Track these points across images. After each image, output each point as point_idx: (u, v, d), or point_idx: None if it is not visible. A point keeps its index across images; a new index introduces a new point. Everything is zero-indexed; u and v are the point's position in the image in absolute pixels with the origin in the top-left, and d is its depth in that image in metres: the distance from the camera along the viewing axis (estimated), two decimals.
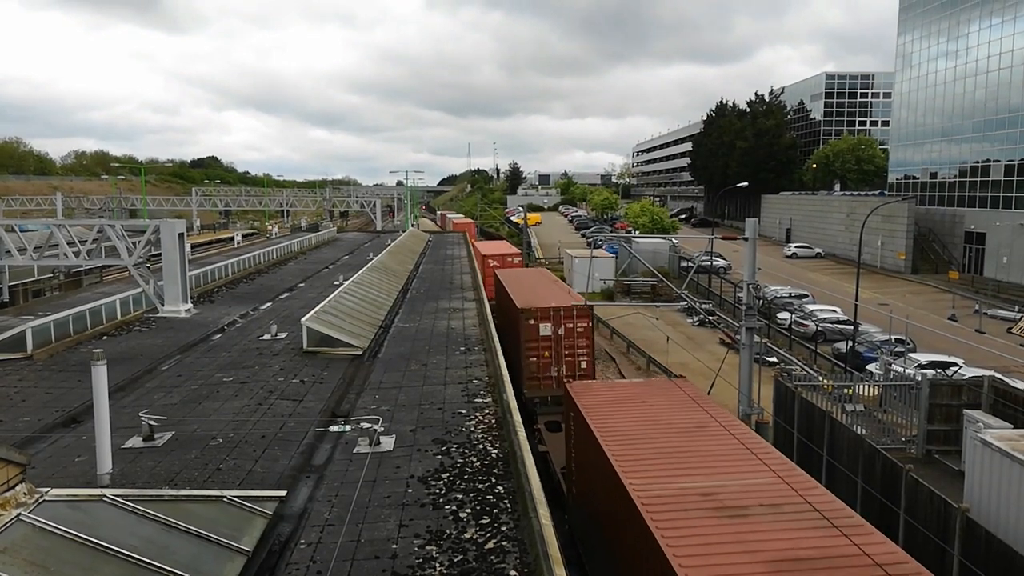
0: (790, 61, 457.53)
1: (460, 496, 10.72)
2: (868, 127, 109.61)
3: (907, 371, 26.50)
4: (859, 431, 19.91)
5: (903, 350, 32.35)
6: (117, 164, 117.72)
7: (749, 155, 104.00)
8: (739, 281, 31.16)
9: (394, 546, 9.26)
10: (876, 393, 24.64)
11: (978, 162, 64.14)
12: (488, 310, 26.10)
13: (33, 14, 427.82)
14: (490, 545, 9.25)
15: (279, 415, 14.70)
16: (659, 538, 9.39)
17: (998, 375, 25.15)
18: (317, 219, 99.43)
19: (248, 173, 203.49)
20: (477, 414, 14.52)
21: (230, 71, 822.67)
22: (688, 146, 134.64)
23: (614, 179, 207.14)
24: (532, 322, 24.82)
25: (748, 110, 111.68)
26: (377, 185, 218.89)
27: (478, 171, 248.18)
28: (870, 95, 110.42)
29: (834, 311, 43.24)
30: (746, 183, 77.26)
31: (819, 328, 39.90)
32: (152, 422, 13.25)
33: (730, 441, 12.86)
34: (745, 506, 10.24)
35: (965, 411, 21.43)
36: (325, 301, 23.21)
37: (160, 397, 15.98)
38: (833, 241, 79.66)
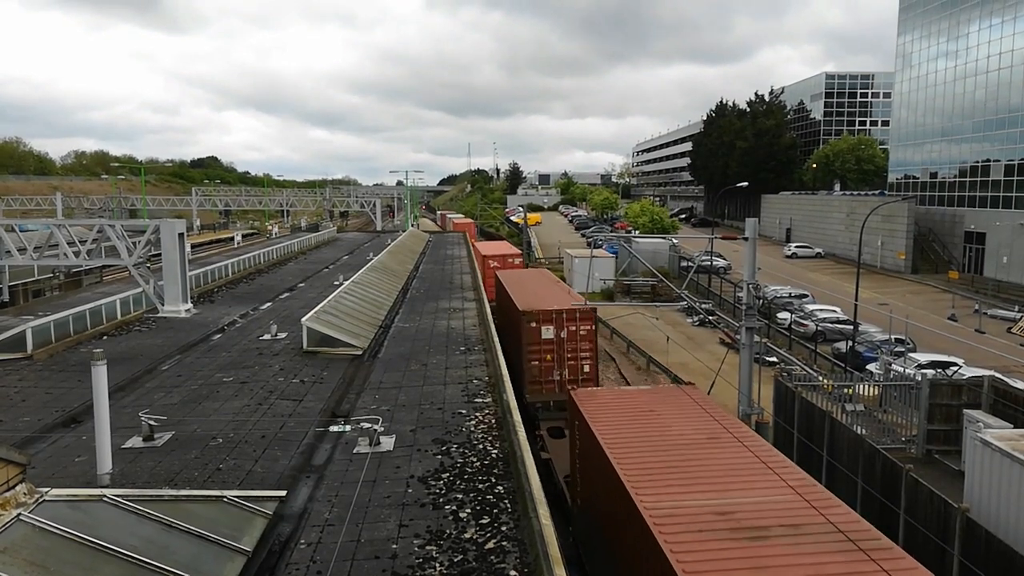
0: (790, 61, 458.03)
1: (460, 496, 10.72)
2: (868, 127, 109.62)
3: (907, 371, 26.50)
4: (859, 431, 19.91)
5: (903, 350, 32.35)
6: (117, 164, 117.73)
7: (749, 155, 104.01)
8: (739, 281, 31.16)
9: (394, 546, 9.26)
10: (876, 393, 24.64)
11: (978, 162, 64.14)
12: (488, 310, 26.06)
13: (33, 14, 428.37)
14: (490, 545, 9.25)
15: (279, 415, 14.70)
16: (674, 563, 8.87)
17: (998, 375, 25.14)
18: (317, 219, 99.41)
19: (248, 173, 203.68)
20: (477, 414, 14.51)
21: (230, 71, 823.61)
22: (688, 146, 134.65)
23: (614, 179, 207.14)
24: (534, 325, 24.34)
25: (748, 110, 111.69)
26: (377, 185, 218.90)
27: (478, 171, 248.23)
28: (870, 95, 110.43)
29: (834, 311, 43.24)
30: (746, 183, 77.28)
31: (819, 328, 39.90)
32: (152, 422, 13.25)
33: (744, 454, 12.26)
34: (764, 527, 9.63)
35: (965, 411, 21.43)
36: (325, 301, 23.21)
37: (160, 397, 15.98)
38: (833, 241, 79.66)
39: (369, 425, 12.88)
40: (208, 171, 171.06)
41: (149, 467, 11.86)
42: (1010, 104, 59.36)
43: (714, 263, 56.78)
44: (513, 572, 8.59)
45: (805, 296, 49.63)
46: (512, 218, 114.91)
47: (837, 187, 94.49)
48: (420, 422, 14.11)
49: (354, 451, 12.55)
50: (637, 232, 69.50)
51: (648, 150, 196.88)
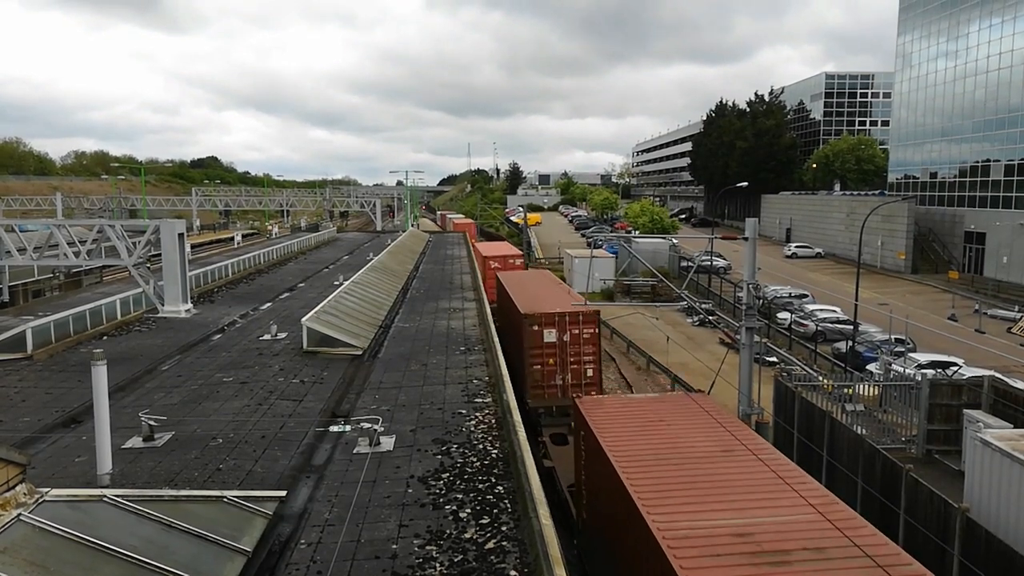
0: (790, 61, 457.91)
1: (460, 496, 10.72)
2: (868, 127, 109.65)
3: (907, 371, 26.50)
4: (859, 431, 19.92)
5: (903, 350, 32.35)
6: (117, 164, 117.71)
7: (749, 155, 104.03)
8: (739, 281, 31.16)
9: (394, 546, 9.26)
10: (876, 393, 24.64)
11: (978, 162, 64.14)
12: (488, 310, 26.04)
13: (33, 14, 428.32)
14: (490, 545, 9.25)
15: (279, 415, 14.70)
16: None
17: (998, 375, 25.15)
18: (317, 219, 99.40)
19: (248, 173, 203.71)
20: (477, 414, 14.51)
21: (230, 71, 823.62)
22: (688, 146, 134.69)
23: (614, 179, 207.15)
24: (536, 328, 23.66)
25: (748, 110, 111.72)
26: (377, 185, 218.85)
27: (478, 171, 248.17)
28: (870, 95, 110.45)
29: (834, 311, 43.25)
30: (746, 183, 77.32)
31: (819, 328, 39.91)
32: (152, 422, 13.25)
33: (760, 469, 11.64)
34: (785, 550, 9.08)
35: (965, 411, 21.44)
36: (325, 301, 23.21)
37: (160, 397, 15.98)
38: (833, 241, 79.67)
39: (369, 425, 12.88)
40: (208, 171, 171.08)
41: (149, 467, 11.86)
42: (1010, 104, 59.37)
43: (714, 263, 56.79)
44: (513, 572, 8.59)
45: (805, 296, 49.64)
46: (512, 218, 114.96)
47: (837, 187, 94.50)
48: (420, 422, 14.11)
49: (354, 451, 12.55)
50: (637, 232, 69.51)
51: (648, 150, 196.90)
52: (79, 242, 21.72)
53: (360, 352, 19.99)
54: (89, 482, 10.73)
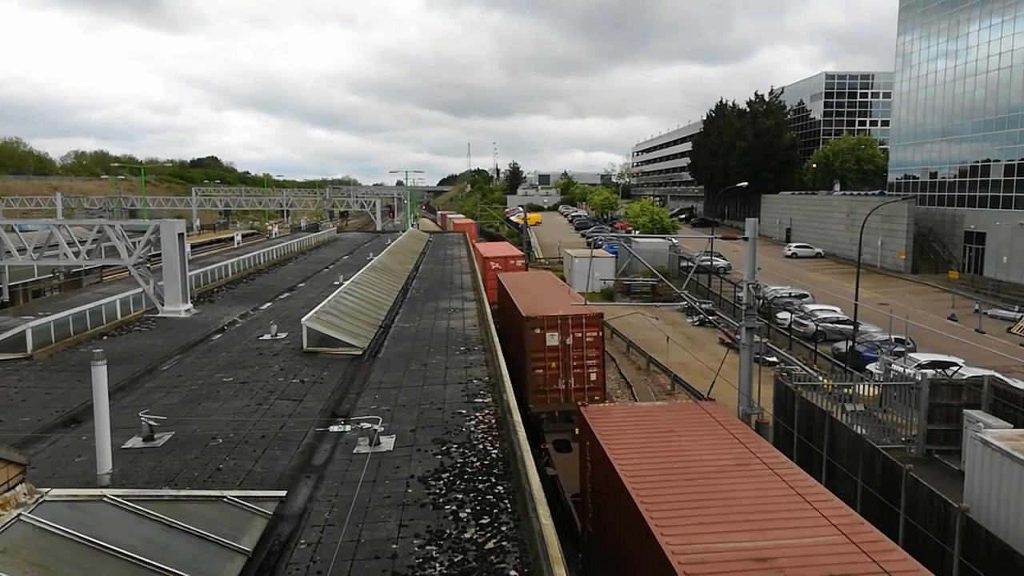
0: (790, 61, 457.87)
1: (460, 496, 10.72)
2: (868, 127, 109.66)
3: (907, 371, 26.51)
4: (859, 431, 19.92)
5: (903, 350, 32.36)
6: (117, 164, 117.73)
7: (749, 155, 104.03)
8: (739, 281, 31.16)
9: (394, 546, 9.26)
10: (876, 393, 24.64)
11: (978, 162, 64.15)
12: (488, 310, 26.03)
13: (33, 14, 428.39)
14: (490, 545, 9.25)
15: (279, 415, 14.70)
16: None
17: (998, 375, 25.16)
18: (317, 219, 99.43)
19: (248, 173, 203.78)
20: (477, 414, 14.51)
21: (230, 71, 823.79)
22: (688, 146, 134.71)
23: (614, 179, 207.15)
24: (538, 331, 23.08)
25: (748, 110, 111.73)
26: (377, 185, 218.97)
27: (478, 171, 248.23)
28: (870, 95, 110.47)
29: (834, 311, 43.26)
30: (746, 183, 77.32)
31: (819, 328, 39.92)
32: (152, 422, 13.25)
33: (778, 485, 10.99)
34: None
35: (965, 411, 21.44)
36: (325, 301, 23.21)
37: (160, 397, 15.98)
38: (833, 241, 79.68)
39: (369, 425, 12.88)
40: (208, 171, 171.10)
41: (149, 467, 11.86)
42: (1010, 104, 59.37)
43: (714, 263, 56.79)
44: (513, 572, 8.59)
45: (805, 296, 49.65)
46: (512, 218, 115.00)
47: (837, 187, 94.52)
48: (420, 422, 14.11)
49: (354, 451, 12.55)
50: (637, 232, 69.54)
51: (648, 150, 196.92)
52: (79, 242, 21.73)
53: (360, 352, 19.99)
54: (89, 482, 10.73)
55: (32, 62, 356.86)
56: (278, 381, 17.27)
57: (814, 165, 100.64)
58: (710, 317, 40.13)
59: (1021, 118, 58.25)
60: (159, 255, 20.02)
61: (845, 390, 24.25)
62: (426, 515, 10.12)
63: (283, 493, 10.58)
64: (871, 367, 29.99)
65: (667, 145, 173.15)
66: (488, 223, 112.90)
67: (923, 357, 31.12)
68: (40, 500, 8.02)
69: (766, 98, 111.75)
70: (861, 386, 24.68)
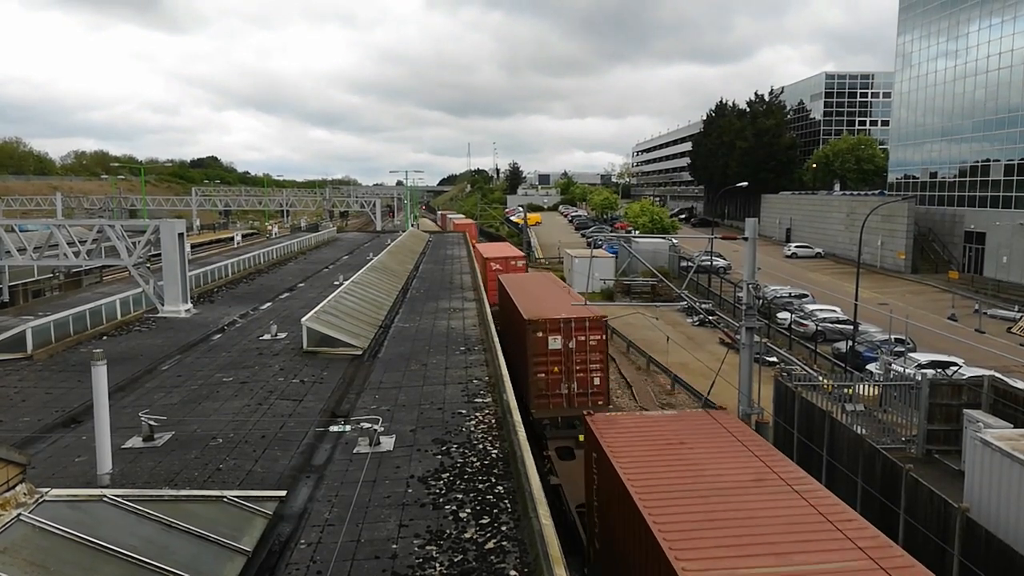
0: (790, 61, 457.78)
1: (460, 496, 10.72)
2: (868, 127, 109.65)
3: (907, 371, 26.51)
4: (859, 431, 19.92)
5: (903, 350, 32.36)
6: (117, 164, 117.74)
7: (749, 155, 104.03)
8: (739, 281, 31.15)
9: (394, 546, 9.26)
10: (876, 393, 24.64)
11: (978, 162, 64.16)
12: (488, 310, 26.03)
13: (33, 14, 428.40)
14: (490, 545, 9.25)
15: (279, 415, 14.70)
16: None
17: (998, 375, 25.16)
18: (317, 219, 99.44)
19: (248, 173, 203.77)
20: (477, 414, 14.51)
21: (230, 71, 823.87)
22: (688, 146, 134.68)
23: (614, 179, 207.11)
24: (540, 334, 22.50)
25: (748, 110, 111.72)
26: (377, 185, 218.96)
27: (478, 171, 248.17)
28: (870, 95, 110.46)
29: (834, 311, 43.27)
30: (746, 183, 77.29)
31: (819, 328, 39.92)
32: (152, 422, 13.25)
33: (797, 503, 10.44)
34: None
35: (965, 411, 21.44)
36: (325, 301, 23.21)
37: (160, 397, 15.98)
38: (833, 241, 79.68)
39: (369, 425, 12.88)
40: (208, 171, 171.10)
41: (149, 467, 11.86)
42: (1010, 104, 59.37)
43: (714, 263, 56.80)
44: (513, 572, 8.59)
45: (805, 296, 49.66)
46: (512, 218, 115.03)
47: (837, 187, 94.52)
48: (420, 422, 14.11)
49: (354, 451, 12.55)
50: (637, 232, 69.55)
51: (648, 150, 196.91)
52: (79, 242, 21.72)
53: (360, 352, 19.99)
54: (89, 482, 10.73)
55: (32, 62, 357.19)
56: (278, 381, 17.27)
57: (814, 165, 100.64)
58: (710, 317, 40.13)
59: (1021, 118, 58.25)
60: (159, 255, 20.02)
61: (845, 390, 24.25)
62: (426, 515, 10.12)
63: (283, 493, 10.58)
64: (871, 367, 29.99)
65: (667, 145, 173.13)
66: (488, 223, 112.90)
67: (923, 357, 31.12)
68: (40, 500, 8.02)
69: (766, 98, 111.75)
70: (861, 386, 24.68)
